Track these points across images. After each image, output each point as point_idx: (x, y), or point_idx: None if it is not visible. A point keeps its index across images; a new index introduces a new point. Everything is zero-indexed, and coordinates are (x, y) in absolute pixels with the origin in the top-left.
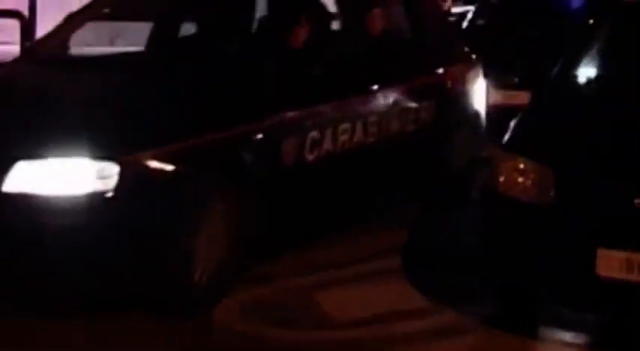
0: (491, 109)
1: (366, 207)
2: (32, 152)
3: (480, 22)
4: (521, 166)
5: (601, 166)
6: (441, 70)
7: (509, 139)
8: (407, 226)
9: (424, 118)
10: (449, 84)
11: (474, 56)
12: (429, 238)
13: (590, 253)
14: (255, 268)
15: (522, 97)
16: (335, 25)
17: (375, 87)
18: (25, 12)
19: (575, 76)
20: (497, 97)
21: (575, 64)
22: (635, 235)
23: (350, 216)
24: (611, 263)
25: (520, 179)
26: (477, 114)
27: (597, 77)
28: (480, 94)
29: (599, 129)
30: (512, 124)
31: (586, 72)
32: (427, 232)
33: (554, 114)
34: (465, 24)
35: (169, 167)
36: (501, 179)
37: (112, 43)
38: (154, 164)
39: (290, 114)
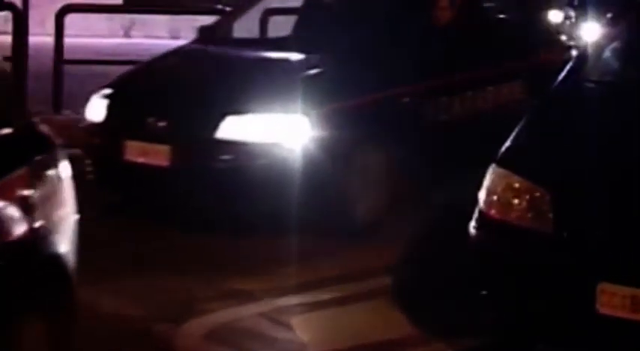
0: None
1: None
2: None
3: None
4: (516, 185)
5: (605, 190)
6: None
7: (504, 153)
8: (399, 242)
9: None
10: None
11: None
12: (419, 262)
13: (591, 288)
14: (231, 283)
15: (160, 154)
16: None
17: None
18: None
19: (583, 85)
20: (132, 150)
21: (583, 70)
22: None
23: None
24: (613, 300)
25: (515, 201)
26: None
27: (607, 87)
28: (64, 222)
29: (607, 146)
30: (512, 135)
31: (595, 80)
32: (418, 257)
33: (555, 127)
34: None
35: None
36: (493, 200)
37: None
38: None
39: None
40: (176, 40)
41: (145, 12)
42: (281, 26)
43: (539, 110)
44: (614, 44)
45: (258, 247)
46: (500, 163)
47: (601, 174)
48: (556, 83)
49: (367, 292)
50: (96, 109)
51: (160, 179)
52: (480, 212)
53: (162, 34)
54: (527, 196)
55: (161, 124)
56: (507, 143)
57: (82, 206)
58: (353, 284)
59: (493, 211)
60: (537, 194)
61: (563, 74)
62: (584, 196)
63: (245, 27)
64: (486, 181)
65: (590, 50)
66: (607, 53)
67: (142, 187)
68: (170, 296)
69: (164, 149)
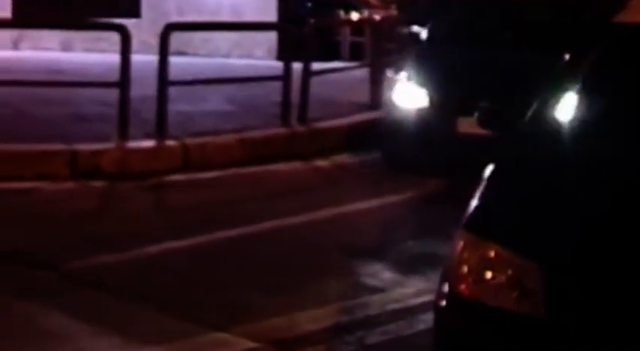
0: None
1: None
2: None
3: None
4: (491, 255)
5: (612, 264)
6: None
7: (473, 214)
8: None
9: None
10: None
11: None
12: None
13: None
14: None
15: None
16: None
17: None
18: None
19: (553, 126)
20: None
21: (551, 111)
22: None
23: None
24: None
25: (488, 274)
26: None
27: (582, 128)
28: None
29: (605, 207)
30: (478, 191)
31: (582, 118)
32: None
33: (533, 180)
34: None
35: None
36: (462, 273)
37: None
38: None
39: None
40: (68, 52)
41: (35, 27)
42: None
43: (510, 158)
44: (579, 81)
45: None
46: (469, 227)
47: (605, 242)
48: (521, 125)
49: None
50: None
51: None
52: (448, 287)
53: (53, 46)
54: (509, 271)
55: None
56: (475, 202)
57: None
58: None
59: (463, 287)
60: (522, 268)
61: (528, 114)
62: (585, 272)
63: None
64: (452, 250)
65: (555, 89)
66: (574, 91)
67: None
68: None
69: None
